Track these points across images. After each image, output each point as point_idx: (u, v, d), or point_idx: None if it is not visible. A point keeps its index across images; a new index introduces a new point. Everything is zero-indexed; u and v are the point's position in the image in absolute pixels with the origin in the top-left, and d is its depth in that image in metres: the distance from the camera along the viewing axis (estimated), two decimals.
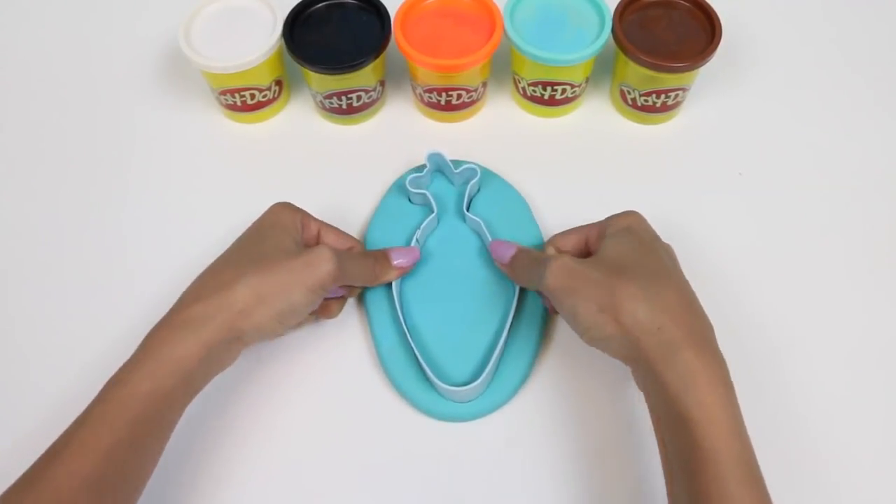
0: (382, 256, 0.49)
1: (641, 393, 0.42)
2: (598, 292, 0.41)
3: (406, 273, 0.50)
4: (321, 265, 0.43)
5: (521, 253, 0.47)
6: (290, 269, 0.43)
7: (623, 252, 0.43)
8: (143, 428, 0.39)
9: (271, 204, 0.48)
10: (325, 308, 0.49)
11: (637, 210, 0.47)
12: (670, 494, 0.39)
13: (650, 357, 0.39)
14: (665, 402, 0.39)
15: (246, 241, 0.46)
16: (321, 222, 0.49)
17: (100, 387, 0.48)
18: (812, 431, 0.47)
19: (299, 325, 0.48)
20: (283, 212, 0.47)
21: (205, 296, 0.42)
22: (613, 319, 0.40)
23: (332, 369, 0.50)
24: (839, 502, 0.45)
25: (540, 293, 0.48)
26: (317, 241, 0.49)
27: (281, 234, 0.46)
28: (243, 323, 0.41)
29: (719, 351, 0.40)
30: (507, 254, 0.47)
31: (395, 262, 0.49)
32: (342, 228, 0.51)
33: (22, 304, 0.52)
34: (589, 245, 0.48)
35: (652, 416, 0.41)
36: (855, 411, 0.48)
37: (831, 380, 0.49)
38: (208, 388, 0.46)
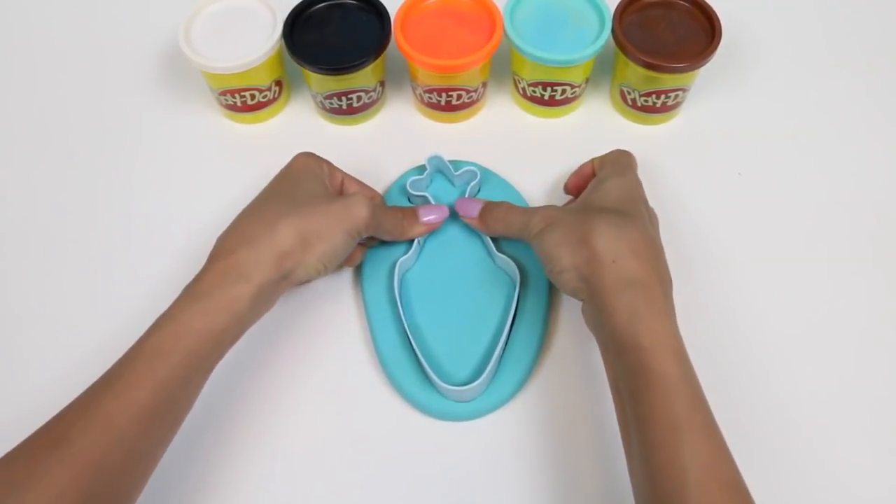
0: (411, 212, 0.50)
1: None
2: (570, 229, 0.44)
3: (434, 230, 0.51)
4: (358, 210, 0.45)
5: (496, 206, 0.49)
6: (330, 213, 0.44)
7: (605, 200, 0.46)
8: (194, 362, 0.40)
9: (295, 154, 0.49)
10: (349, 256, 0.50)
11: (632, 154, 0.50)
12: (621, 424, 0.41)
13: (603, 287, 0.41)
14: (614, 330, 0.40)
15: (279, 186, 0.47)
16: (344, 172, 0.51)
17: None
18: (815, 431, 0.47)
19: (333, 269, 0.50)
20: (310, 160, 0.49)
21: (251, 238, 0.43)
22: (574, 252, 0.42)
23: (332, 368, 0.50)
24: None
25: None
26: (342, 189, 0.50)
27: (312, 180, 0.47)
28: (290, 263, 0.43)
29: (671, 296, 0.42)
30: (475, 209, 0.49)
31: (424, 219, 0.50)
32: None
33: (23, 302, 0.52)
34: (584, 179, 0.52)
35: (601, 351, 0.42)
36: (853, 410, 0.48)
37: (831, 378, 0.49)
38: (208, 387, 0.46)
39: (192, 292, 0.42)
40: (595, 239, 0.42)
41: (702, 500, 0.35)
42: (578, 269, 0.42)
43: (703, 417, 0.38)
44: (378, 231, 0.48)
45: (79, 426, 0.37)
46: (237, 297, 0.41)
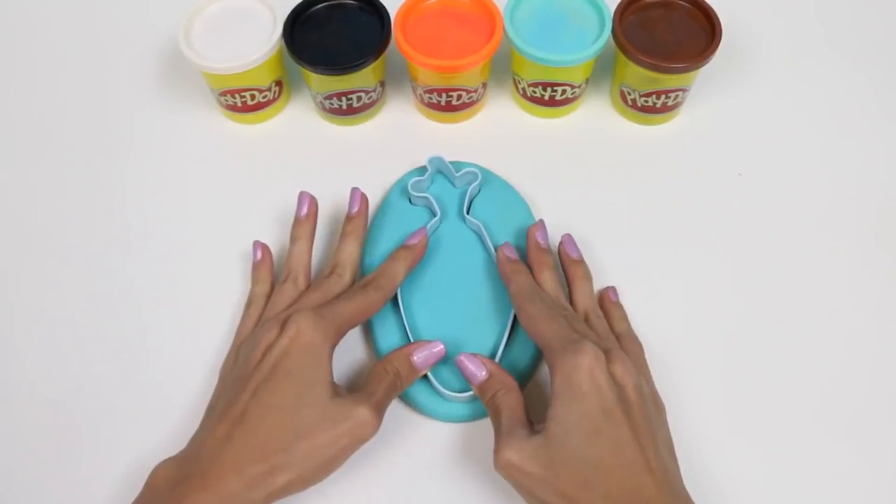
0: (402, 362, 0.45)
1: None
2: (539, 496, 0.39)
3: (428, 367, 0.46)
4: (365, 432, 0.41)
5: (493, 382, 0.44)
6: (334, 443, 0.41)
7: (569, 431, 0.39)
8: None
9: (297, 328, 0.42)
10: None
11: (589, 351, 0.40)
12: None
13: None
14: None
15: (278, 392, 0.41)
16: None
17: (95, 389, 0.48)
18: (824, 432, 0.47)
19: None
20: (314, 342, 0.42)
21: (248, 472, 0.39)
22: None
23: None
24: None
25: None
26: None
27: (318, 383, 0.42)
28: (284, 494, 0.40)
29: None
30: (478, 376, 0.44)
31: (418, 362, 0.45)
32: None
33: (19, 305, 0.52)
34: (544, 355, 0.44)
35: None
36: (862, 409, 0.48)
37: (837, 378, 0.49)
38: (206, 387, 0.46)
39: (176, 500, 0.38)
40: None
41: None
42: None
43: None
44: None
45: None
46: None
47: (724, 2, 0.55)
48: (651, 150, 0.58)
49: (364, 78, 0.54)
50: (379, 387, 0.43)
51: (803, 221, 0.55)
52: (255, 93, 0.56)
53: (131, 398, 0.48)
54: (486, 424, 0.47)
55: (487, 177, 0.54)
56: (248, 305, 0.49)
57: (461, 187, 0.54)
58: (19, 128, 0.60)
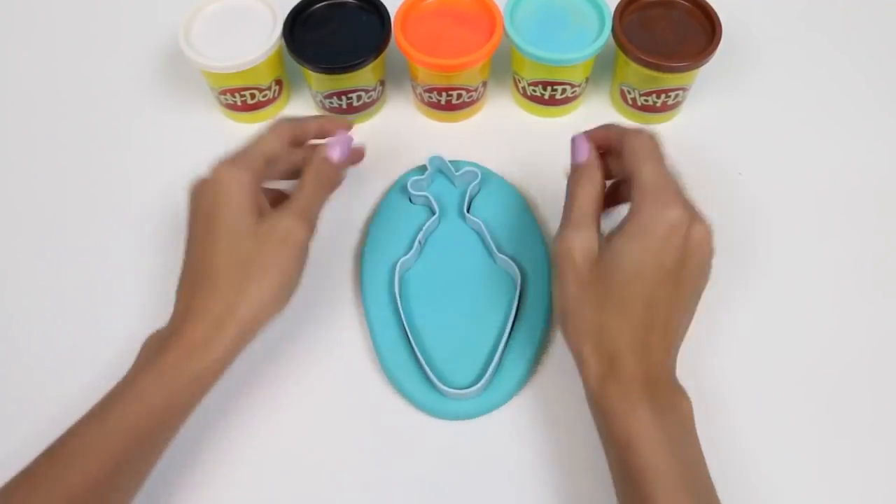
0: (319, 160, 0.46)
1: None
2: (579, 317, 0.41)
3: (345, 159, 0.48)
4: (294, 238, 0.43)
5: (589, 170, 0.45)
6: (274, 261, 0.42)
7: (619, 266, 0.40)
8: (155, 433, 0.40)
9: (212, 177, 0.44)
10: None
11: (677, 208, 0.41)
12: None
13: (585, 382, 0.41)
14: (600, 426, 0.40)
15: (217, 234, 0.42)
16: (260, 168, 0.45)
17: (100, 389, 0.48)
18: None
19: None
20: (228, 189, 0.43)
21: (212, 316, 0.41)
22: (571, 341, 0.42)
23: (331, 369, 0.49)
24: None
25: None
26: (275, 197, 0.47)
27: (242, 218, 0.42)
28: (257, 325, 0.42)
29: (659, 386, 0.40)
30: (578, 158, 0.45)
31: (332, 157, 0.46)
32: (342, 229, 0.52)
33: (21, 306, 0.52)
34: (610, 168, 0.45)
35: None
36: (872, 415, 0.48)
37: (841, 383, 0.49)
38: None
39: (158, 366, 0.40)
40: (580, 343, 0.41)
41: None
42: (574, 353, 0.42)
43: None
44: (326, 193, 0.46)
45: (36, 496, 0.37)
46: (203, 373, 0.41)
47: (724, 1, 0.55)
48: None
49: (364, 77, 0.54)
50: (301, 192, 0.44)
51: (804, 221, 0.55)
52: (255, 92, 0.56)
53: None
54: (485, 423, 0.47)
55: (487, 176, 0.54)
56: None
57: (461, 186, 0.54)
58: (18, 127, 0.60)
